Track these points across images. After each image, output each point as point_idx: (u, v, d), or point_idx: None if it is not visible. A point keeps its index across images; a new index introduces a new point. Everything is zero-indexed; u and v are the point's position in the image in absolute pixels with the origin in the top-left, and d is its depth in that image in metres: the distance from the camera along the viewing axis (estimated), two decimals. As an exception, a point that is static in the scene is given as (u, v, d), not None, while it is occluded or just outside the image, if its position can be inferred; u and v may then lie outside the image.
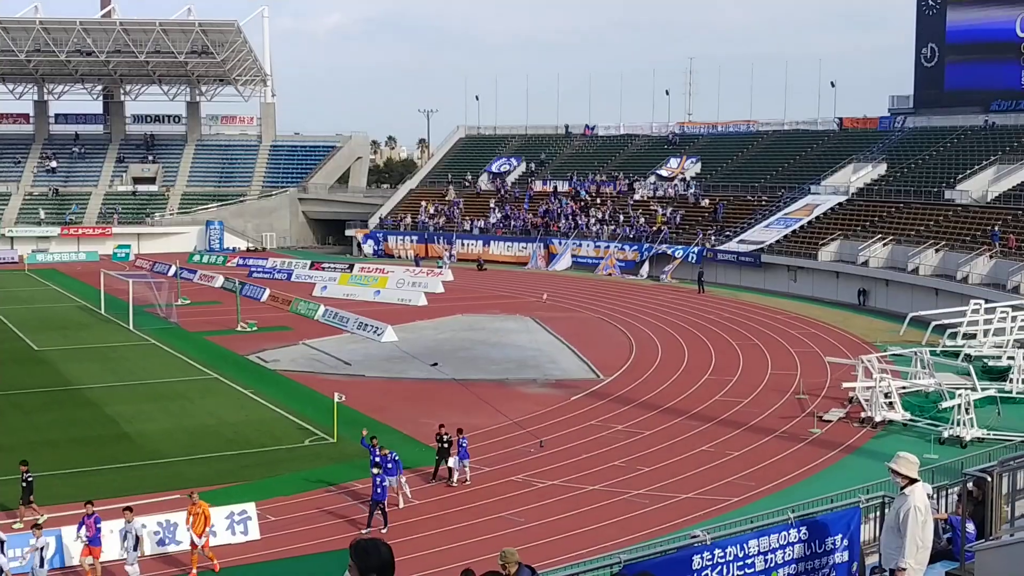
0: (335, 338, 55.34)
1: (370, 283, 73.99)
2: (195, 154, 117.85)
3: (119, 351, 52.05)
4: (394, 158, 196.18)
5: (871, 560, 13.39)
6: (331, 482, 30.65)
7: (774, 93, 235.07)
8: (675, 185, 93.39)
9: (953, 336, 49.28)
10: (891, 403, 37.09)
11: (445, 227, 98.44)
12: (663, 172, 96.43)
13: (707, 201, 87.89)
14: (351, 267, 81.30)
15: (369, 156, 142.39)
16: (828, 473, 31.19)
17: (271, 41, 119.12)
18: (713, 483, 30.35)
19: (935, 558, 12.86)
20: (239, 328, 57.63)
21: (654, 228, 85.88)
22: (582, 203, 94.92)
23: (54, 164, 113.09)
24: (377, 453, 28.51)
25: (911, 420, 36.58)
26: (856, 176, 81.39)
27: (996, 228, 62.40)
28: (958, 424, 34.07)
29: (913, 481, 11.70)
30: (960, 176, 73.02)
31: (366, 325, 56.41)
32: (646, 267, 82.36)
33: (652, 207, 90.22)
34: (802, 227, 76.57)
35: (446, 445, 30.82)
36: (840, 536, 13.31)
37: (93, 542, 24.14)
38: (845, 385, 39.80)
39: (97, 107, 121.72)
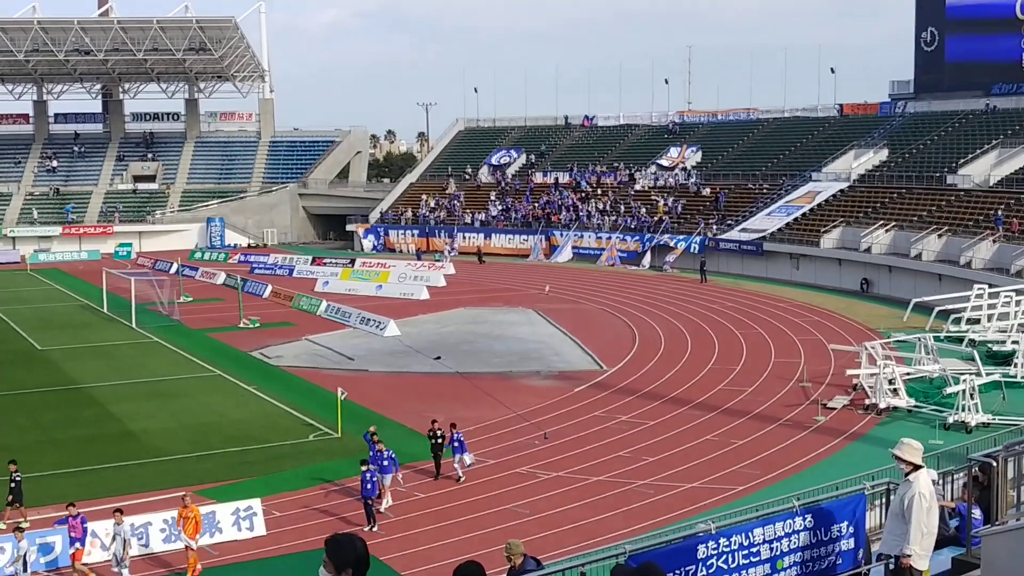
0: (338, 333, 55.33)
1: (372, 278, 73.93)
2: (195, 151, 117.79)
3: (122, 349, 52.07)
4: (394, 152, 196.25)
5: (877, 547, 13.33)
6: (336, 477, 30.61)
7: (774, 80, 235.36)
8: (676, 174, 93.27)
9: (957, 321, 49.17)
10: (895, 389, 37.04)
11: (446, 220, 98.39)
12: (663, 162, 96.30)
13: (708, 190, 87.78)
14: (352, 262, 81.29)
15: (369, 150, 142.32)
16: (833, 460, 31.16)
17: (268, 37, 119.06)
18: (718, 472, 30.34)
19: (941, 544, 12.82)
20: (242, 325, 57.63)
21: (655, 218, 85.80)
22: (583, 194, 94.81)
23: (55, 164, 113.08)
24: (375, 449, 28.45)
25: (916, 406, 36.55)
26: (857, 162, 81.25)
27: (999, 212, 62.29)
28: (963, 409, 34.02)
29: (917, 467, 11.66)
30: (962, 160, 72.86)
31: (368, 320, 56.40)
32: (648, 257, 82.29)
33: (653, 197, 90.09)
34: (804, 215, 76.48)
35: (439, 441, 30.67)
36: (845, 523, 13.27)
37: (78, 543, 23.91)
38: (849, 372, 39.75)
39: (96, 106, 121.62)
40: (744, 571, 12.38)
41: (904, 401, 36.69)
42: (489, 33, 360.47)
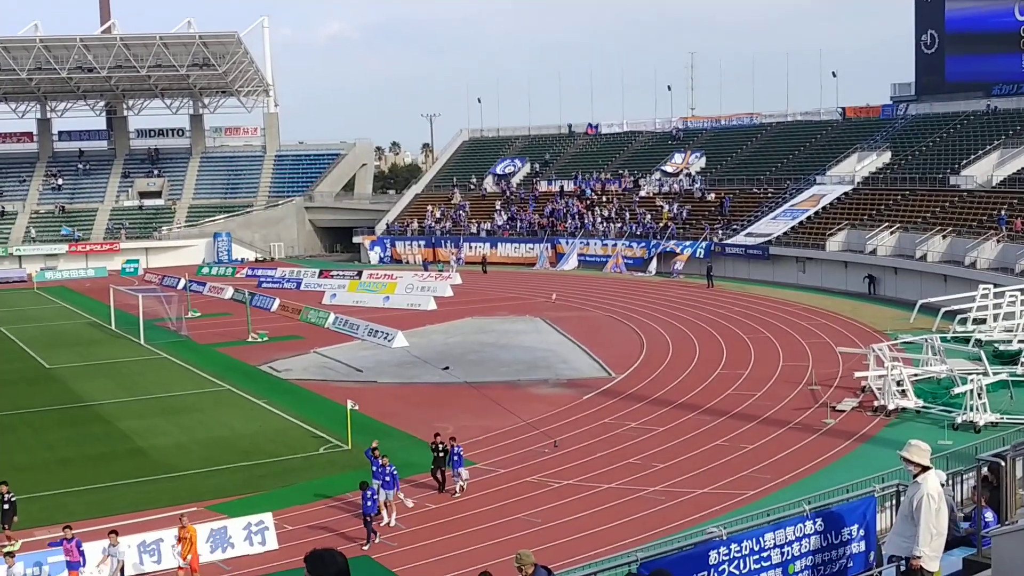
0: (346, 345, 55.40)
1: (379, 289, 73.98)
2: (200, 166, 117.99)
3: (130, 366, 52.16)
4: (399, 163, 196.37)
5: (887, 549, 13.38)
6: (346, 489, 30.57)
7: (776, 85, 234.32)
8: (680, 180, 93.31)
9: (963, 322, 49.14)
10: (903, 391, 37.06)
11: (452, 231, 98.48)
12: (668, 168, 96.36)
13: (713, 195, 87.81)
14: (360, 274, 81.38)
15: (374, 162, 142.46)
16: (843, 463, 31.17)
17: (272, 51, 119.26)
18: (728, 477, 30.36)
19: (952, 545, 12.86)
20: (250, 339, 57.73)
21: (660, 224, 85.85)
22: (588, 202, 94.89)
23: (60, 181, 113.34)
24: (379, 464, 28.34)
25: (924, 407, 36.56)
26: (861, 165, 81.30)
27: (1002, 212, 62.29)
28: (971, 409, 34.04)
29: (926, 469, 11.71)
30: (964, 162, 72.85)
31: (376, 331, 56.48)
32: (654, 263, 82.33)
33: (658, 203, 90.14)
34: (809, 218, 76.50)
35: (442, 454, 30.53)
36: (856, 526, 13.32)
37: (73, 567, 23.61)
38: (857, 374, 39.76)
39: (100, 123, 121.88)
40: (756, 576, 12.44)
41: (912, 402, 36.71)
42: (492, 43, 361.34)
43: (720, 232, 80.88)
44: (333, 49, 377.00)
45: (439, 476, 30.47)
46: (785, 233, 75.77)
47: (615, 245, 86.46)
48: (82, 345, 58.56)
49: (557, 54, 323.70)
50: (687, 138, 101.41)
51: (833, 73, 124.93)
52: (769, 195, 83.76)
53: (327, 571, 6.58)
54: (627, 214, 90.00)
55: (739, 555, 12.31)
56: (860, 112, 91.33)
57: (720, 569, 12.09)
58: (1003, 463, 13.46)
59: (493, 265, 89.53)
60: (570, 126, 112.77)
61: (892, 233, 67.86)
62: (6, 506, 26.67)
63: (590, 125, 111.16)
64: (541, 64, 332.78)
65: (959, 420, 34.01)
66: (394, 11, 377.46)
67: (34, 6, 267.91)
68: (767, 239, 76.07)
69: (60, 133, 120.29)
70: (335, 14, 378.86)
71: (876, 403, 37.00)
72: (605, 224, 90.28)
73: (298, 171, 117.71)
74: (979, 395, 34.25)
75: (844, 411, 37.00)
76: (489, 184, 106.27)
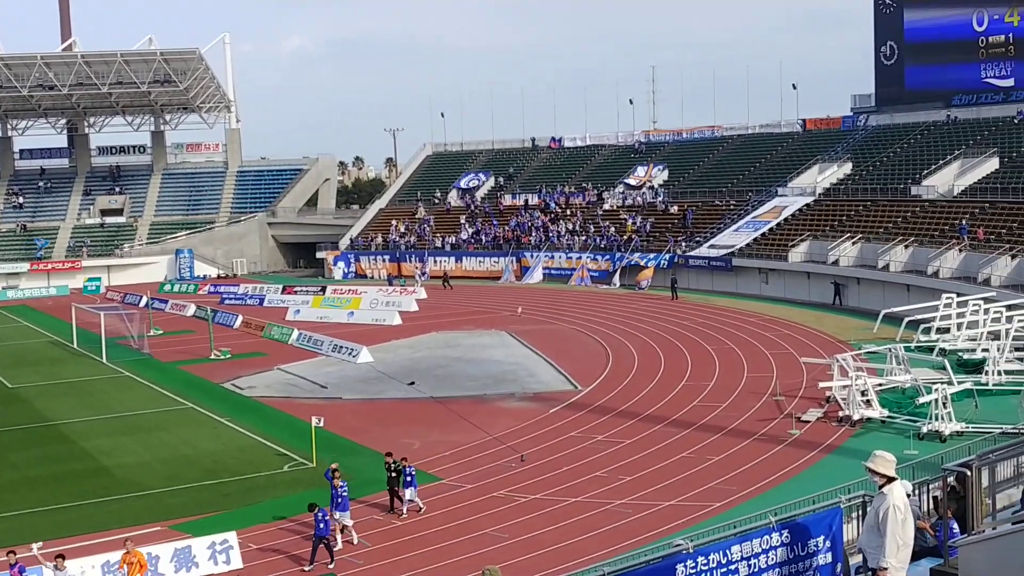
0: (310, 362, 55.12)
1: (343, 305, 73.70)
2: (162, 183, 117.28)
3: (94, 385, 51.68)
4: (362, 178, 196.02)
5: (855, 560, 13.39)
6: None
7: (737, 97, 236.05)
8: (643, 193, 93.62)
9: (927, 331, 49.47)
10: (868, 401, 37.21)
11: (417, 245, 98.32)
12: (631, 181, 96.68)
13: (676, 208, 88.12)
14: (323, 289, 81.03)
15: (337, 177, 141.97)
16: (809, 474, 31.25)
17: (233, 67, 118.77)
18: (694, 489, 30.38)
19: (919, 555, 12.88)
20: (213, 356, 57.34)
21: (624, 237, 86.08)
22: (552, 215, 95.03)
23: (21, 200, 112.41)
24: (334, 485, 28.02)
25: (889, 417, 36.73)
26: (822, 176, 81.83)
27: (964, 222, 62.78)
28: (936, 419, 34.21)
29: (891, 479, 11.71)
30: (925, 172, 73.44)
31: (341, 347, 56.24)
32: (618, 276, 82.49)
33: (622, 216, 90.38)
34: (771, 229, 76.86)
35: (395, 474, 30.14)
36: (823, 538, 13.32)
37: None
38: (822, 385, 39.87)
39: (62, 141, 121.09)
40: (723, 589, 12.40)
41: (877, 412, 36.86)
42: (454, 58, 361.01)
43: (683, 244, 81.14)
44: (295, 65, 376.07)
45: (398, 495, 30.16)
46: (748, 244, 76.11)
47: (580, 258, 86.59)
48: (45, 364, 57.99)
49: (519, 68, 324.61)
50: (649, 151, 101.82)
51: (793, 85, 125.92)
52: (731, 207, 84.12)
53: None
54: (591, 227, 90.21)
55: (706, 568, 12.28)
56: (821, 124, 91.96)
57: (688, 582, 12.05)
58: (969, 473, 13.50)
59: (458, 279, 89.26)
60: (534, 140, 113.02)
61: (854, 243, 68.28)
62: None
63: (553, 139, 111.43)
64: (503, 78, 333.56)
65: (924, 430, 34.16)
66: (356, 26, 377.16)
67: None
68: (730, 251, 76.38)
69: (21, 151, 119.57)
70: (297, 30, 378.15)
71: (841, 413, 37.14)
72: (569, 237, 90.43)
73: (260, 187, 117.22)
74: (944, 404, 34.44)
75: (809, 422, 37.12)
76: (453, 198, 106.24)
